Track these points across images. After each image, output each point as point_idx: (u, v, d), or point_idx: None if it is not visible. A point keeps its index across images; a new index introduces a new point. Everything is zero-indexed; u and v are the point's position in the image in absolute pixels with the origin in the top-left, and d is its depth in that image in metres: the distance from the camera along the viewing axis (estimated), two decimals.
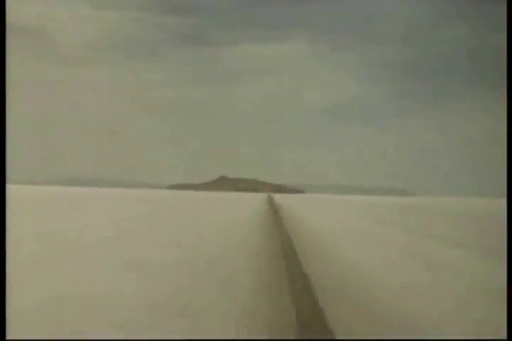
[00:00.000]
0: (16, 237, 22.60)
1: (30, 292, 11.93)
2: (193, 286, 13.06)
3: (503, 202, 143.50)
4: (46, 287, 12.53)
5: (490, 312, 11.45)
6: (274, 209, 66.05)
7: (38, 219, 34.73)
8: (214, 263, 16.77)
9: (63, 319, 9.76)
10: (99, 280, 13.64)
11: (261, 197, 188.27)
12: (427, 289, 13.89)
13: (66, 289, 12.42)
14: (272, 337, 8.95)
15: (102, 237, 24.49)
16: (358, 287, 13.83)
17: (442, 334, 9.52)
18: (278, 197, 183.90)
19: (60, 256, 17.86)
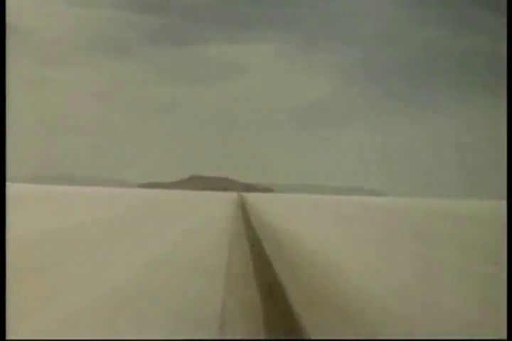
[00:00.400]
0: (15, 236, 22.57)
1: (30, 291, 11.98)
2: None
3: (498, 204, 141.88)
4: (46, 286, 12.60)
5: (484, 314, 11.45)
6: (243, 209, 66.31)
7: (20, 217, 34.51)
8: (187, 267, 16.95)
9: (63, 318, 9.87)
10: (97, 279, 13.78)
11: (231, 196, 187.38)
12: (415, 290, 13.85)
13: (66, 288, 12.50)
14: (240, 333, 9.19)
15: (88, 236, 24.46)
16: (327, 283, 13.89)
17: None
18: (249, 196, 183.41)
19: (58, 255, 17.91)
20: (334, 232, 33.05)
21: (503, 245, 25.83)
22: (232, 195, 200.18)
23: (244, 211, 60.58)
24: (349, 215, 60.75)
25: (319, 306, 11.47)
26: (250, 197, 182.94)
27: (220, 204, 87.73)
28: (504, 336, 9.64)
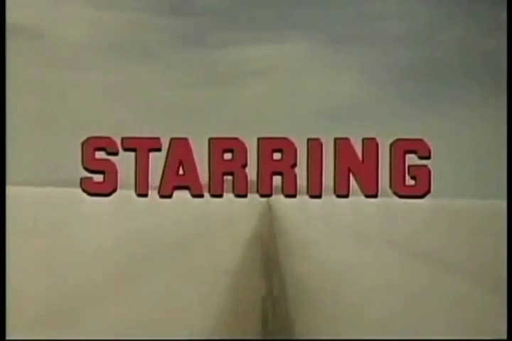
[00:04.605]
0: (16, 237, 22.56)
1: (30, 292, 11.92)
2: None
3: (498, 204, 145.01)
4: (46, 288, 12.55)
5: (484, 314, 11.42)
6: (269, 213, 65.69)
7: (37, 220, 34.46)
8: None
9: (64, 319, 9.76)
10: (99, 281, 13.63)
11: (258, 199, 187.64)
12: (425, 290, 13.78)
13: (67, 290, 12.40)
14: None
15: (101, 238, 24.49)
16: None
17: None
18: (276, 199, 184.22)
19: (60, 258, 17.84)
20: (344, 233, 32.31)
21: (503, 246, 25.68)
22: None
23: (269, 214, 59.79)
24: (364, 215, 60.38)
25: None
26: (278, 199, 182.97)
27: (247, 205, 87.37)
28: (504, 336, 9.42)
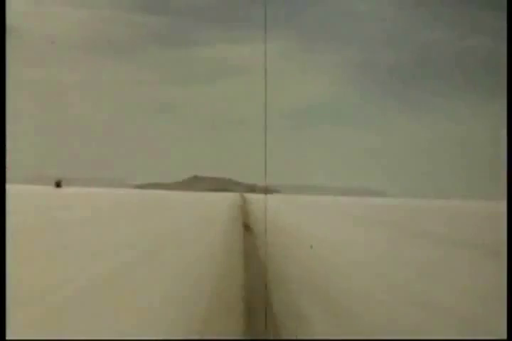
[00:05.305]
0: (16, 236, 22.24)
1: (30, 292, 11.83)
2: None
3: (497, 204, 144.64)
4: (46, 287, 12.42)
5: (484, 313, 11.36)
6: (246, 211, 65.42)
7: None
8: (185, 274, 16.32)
9: (65, 319, 9.68)
10: (98, 280, 13.61)
11: (234, 196, 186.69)
12: (417, 290, 13.78)
13: (66, 289, 12.34)
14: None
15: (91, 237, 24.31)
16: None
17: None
18: (253, 197, 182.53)
19: (59, 256, 17.78)
20: (334, 232, 32.31)
21: (503, 246, 25.68)
22: (233, 196, 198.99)
23: (243, 212, 59.67)
24: (352, 216, 60.11)
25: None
26: (251, 198, 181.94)
27: (221, 205, 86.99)
28: (504, 336, 9.37)
